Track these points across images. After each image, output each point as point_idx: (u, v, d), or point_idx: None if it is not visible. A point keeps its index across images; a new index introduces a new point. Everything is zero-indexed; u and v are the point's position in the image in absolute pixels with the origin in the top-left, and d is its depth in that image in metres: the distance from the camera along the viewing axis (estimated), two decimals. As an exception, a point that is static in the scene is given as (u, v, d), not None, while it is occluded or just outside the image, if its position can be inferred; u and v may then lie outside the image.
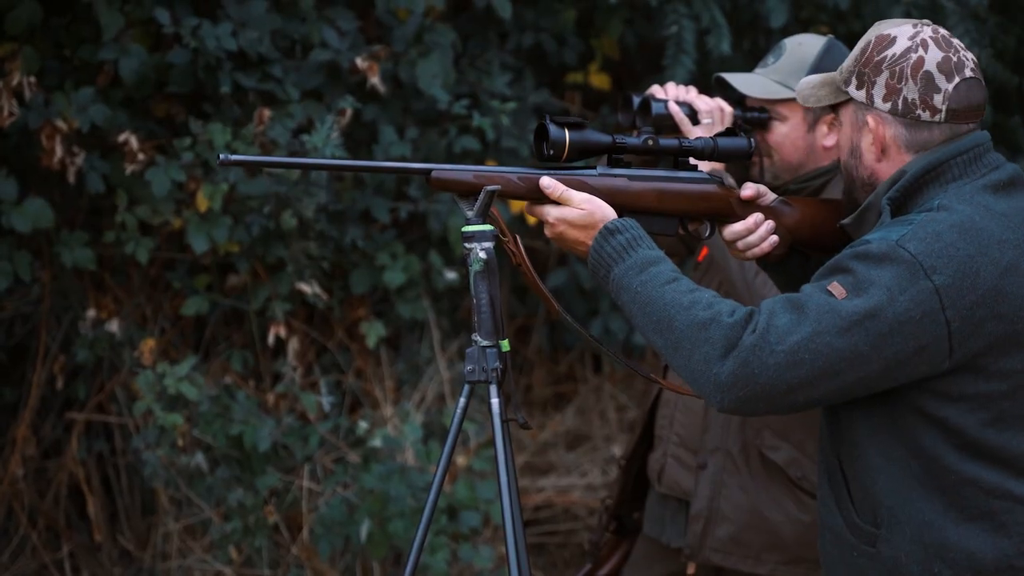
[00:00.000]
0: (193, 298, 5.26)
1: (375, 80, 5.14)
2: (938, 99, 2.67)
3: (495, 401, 2.87)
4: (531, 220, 2.99)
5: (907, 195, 2.70)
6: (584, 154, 2.90)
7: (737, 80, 3.61)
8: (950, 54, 2.68)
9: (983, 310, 2.58)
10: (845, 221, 2.82)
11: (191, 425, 5.12)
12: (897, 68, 2.69)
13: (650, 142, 2.96)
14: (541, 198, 2.87)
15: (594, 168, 2.94)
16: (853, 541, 2.74)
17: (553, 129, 2.87)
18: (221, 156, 2.75)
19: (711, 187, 3.00)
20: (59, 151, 4.82)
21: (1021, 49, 6.07)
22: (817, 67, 3.53)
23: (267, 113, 5.01)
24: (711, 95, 3.60)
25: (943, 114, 2.68)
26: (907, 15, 5.44)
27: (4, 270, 4.90)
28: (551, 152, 2.87)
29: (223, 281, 5.39)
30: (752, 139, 3.01)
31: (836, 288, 2.58)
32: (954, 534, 2.65)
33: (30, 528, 5.26)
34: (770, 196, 3.04)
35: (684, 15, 5.40)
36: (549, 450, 6.19)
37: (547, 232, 2.90)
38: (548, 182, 2.85)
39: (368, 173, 5.11)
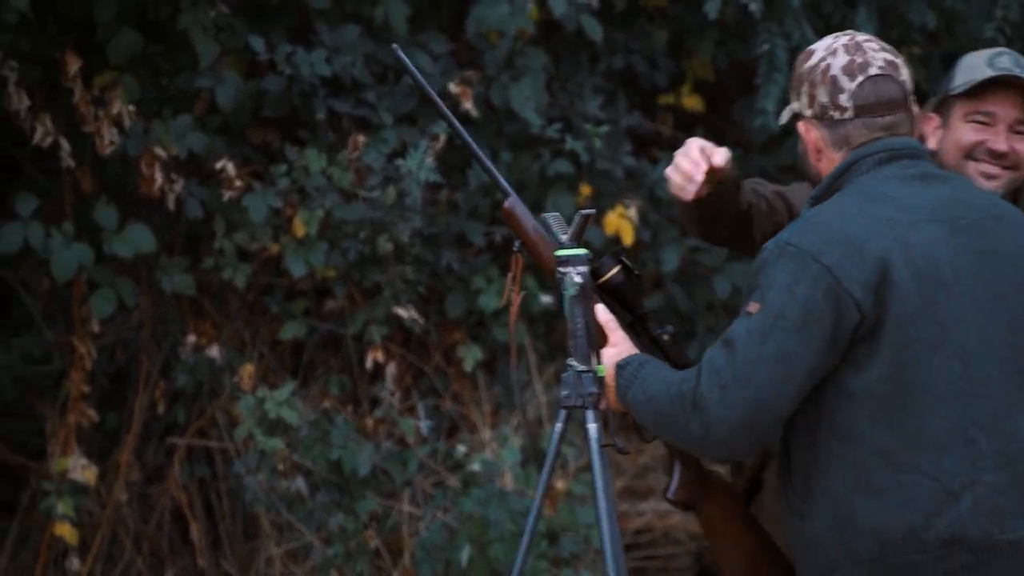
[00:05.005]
0: (291, 323, 5.30)
1: (468, 104, 5.17)
2: (843, 98, 2.85)
3: (592, 427, 2.88)
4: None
5: (829, 193, 2.87)
6: (612, 296, 2.95)
7: None
8: (855, 57, 2.87)
9: (876, 278, 2.70)
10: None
11: (291, 450, 5.15)
12: (812, 77, 2.89)
13: (665, 336, 3.00)
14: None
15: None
16: (787, 516, 2.84)
17: (608, 260, 2.94)
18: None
19: None
20: (159, 178, 4.90)
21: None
22: None
23: (361, 139, 5.06)
24: None
25: (851, 110, 2.86)
26: (999, 31, 5.39)
27: (107, 296, 4.98)
28: (594, 268, 2.93)
29: (320, 306, 5.43)
30: None
31: (753, 307, 2.73)
32: (861, 508, 2.73)
33: (135, 553, 5.31)
34: None
35: (776, 33, 5.38)
36: (648, 473, 6.14)
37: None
38: (602, 310, 2.94)
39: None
